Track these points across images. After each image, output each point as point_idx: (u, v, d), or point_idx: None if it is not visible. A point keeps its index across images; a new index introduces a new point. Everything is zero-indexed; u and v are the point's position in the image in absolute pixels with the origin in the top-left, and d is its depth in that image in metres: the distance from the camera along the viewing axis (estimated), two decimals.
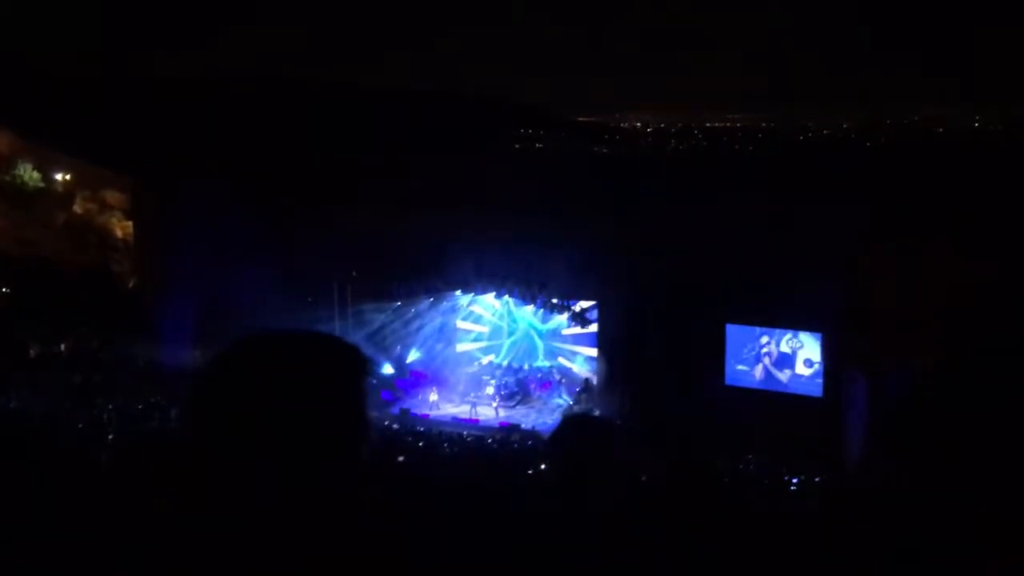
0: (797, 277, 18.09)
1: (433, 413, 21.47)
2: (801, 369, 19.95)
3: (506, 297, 22.46)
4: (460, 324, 23.40)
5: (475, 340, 23.54)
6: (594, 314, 21.77)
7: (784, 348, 20.12)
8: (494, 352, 23.38)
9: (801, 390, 19.92)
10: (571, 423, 2.99)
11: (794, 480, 13.51)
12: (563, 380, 22.58)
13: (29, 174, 26.62)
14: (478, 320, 23.38)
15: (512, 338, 23.24)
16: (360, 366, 1.53)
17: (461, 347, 23.53)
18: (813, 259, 18.17)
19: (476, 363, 23.37)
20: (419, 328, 23.20)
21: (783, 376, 20.07)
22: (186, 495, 1.41)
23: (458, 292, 22.81)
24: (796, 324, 19.86)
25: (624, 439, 3.06)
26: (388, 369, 22.87)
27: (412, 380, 22.80)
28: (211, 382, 1.45)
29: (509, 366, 23.06)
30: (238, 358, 1.47)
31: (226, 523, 1.38)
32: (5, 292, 24.67)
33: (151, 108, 27.42)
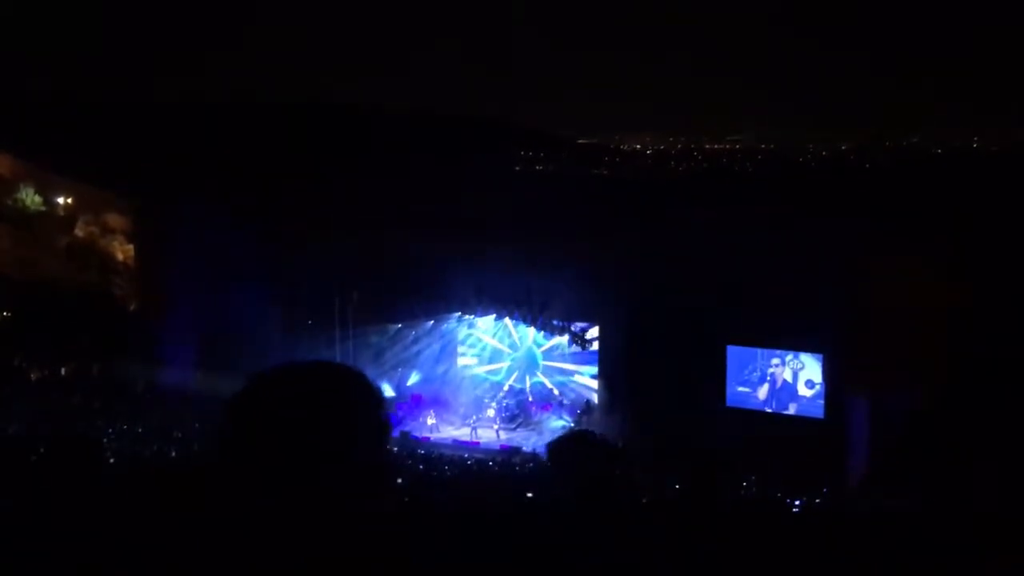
0: (798, 298, 18.11)
1: (434, 436, 21.40)
2: (803, 390, 19.91)
3: (507, 319, 22.49)
4: (476, 331, 23.36)
5: (479, 352, 23.46)
6: (595, 335, 21.79)
7: (786, 372, 20.09)
8: (495, 366, 23.30)
9: (803, 411, 19.87)
10: (572, 438, 3.00)
11: (796, 502, 13.44)
12: (563, 401, 22.52)
13: (31, 197, 26.71)
14: (480, 340, 23.38)
15: (514, 355, 23.18)
16: (374, 396, 1.59)
17: (463, 361, 23.44)
18: (814, 280, 18.18)
19: (474, 374, 23.31)
20: (419, 351, 23.20)
21: (791, 408, 20.02)
22: (207, 517, 1.45)
23: (459, 314, 22.83)
24: (797, 345, 19.85)
25: (623, 457, 3.06)
26: (388, 391, 22.84)
27: (412, 402, 22.75)
28: (239, 413, 1.50)
29: (510, 388, 23.02)
30: (263, 392, 1.52)
31: (252, 544, 1.41)
32: (6, 315, 24.69)
33: (150, 131, 27.53)
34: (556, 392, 22.70)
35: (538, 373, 23.02)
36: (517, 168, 33.23)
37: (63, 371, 22.24)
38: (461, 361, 23.55)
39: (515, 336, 22.99)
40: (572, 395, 22.51)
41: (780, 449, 17.24)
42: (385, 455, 1.60)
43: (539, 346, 22.90)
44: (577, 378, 22.60)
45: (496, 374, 23.30)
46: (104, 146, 26.39)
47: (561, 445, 2.96)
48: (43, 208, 27.00)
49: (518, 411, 22.44)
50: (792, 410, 19.97)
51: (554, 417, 22.23)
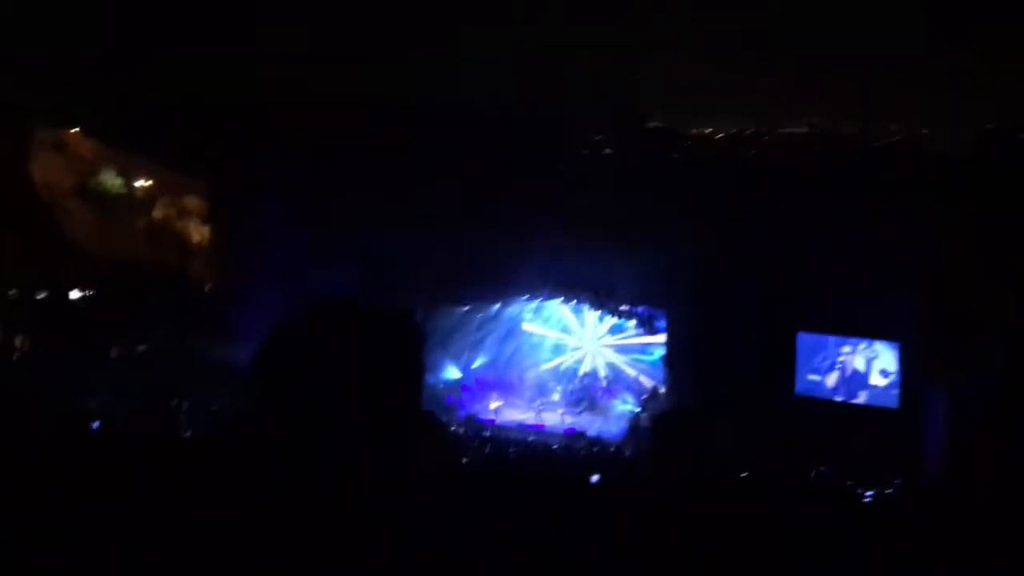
0: (873, 285, 17.66)
1: (499, 419, 21.55)
2: (876, 379, 19.44)
3: (574, 303, 22.46)
4: (528, 327, 23.39)
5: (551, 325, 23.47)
6: (662, 322, 21.63)
7: (858, 360, 19.62)
8: (563, 338, 23.27)
9: (874, 401, 19.41)
10: (678, 417, 2.95)
11: (867, 493, 13.15)
12: (619, 385, 22.39)
13: (111, 181, 27.54)
14: (547, 323, 23.38)
15: (582, 338, 23.13)
16: (417, 337, 1.55)
17: (529, 328, 23.40)
18: (890, 265, 17.70)
19: (540, 345, 23.35)
20: (486, 334, 23.31)
21: (861, 397, 19.57)
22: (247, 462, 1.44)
23: (526, 297, 22.86)
24: (871, 333, 19.37)
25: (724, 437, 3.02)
26: (455, 374, 23.02)
27: (478, 386, 22.91)
28: (277, 347, 1.48)
29: (574, 371, 23.00)
30: (305, 326, 1.49)
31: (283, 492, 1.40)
32: (88, 294, 25.55)
33: (228, 111, 28.03)
34: (616, 378, 22.60)
35: (603, 357, 22.95)
36: (585, 152, 33.03)
37: (141, 349, 22.93)
38: (527, 327, 23.40)
39: (583, 319, 22.93)
40: (636, 380, 22.39)
41: (852, 439, 16.89)
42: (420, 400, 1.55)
43: (610, 332, 22.78)
44: (641, 364, 22.47)
45: (562, 351, 23.24)
46: (182, 129, 26.97)
47: (670, 422, 2.92)
48: (124, 191, 27.82)
49: (583, 395, 22.43)
50: (862, 399, 19.53)
51: (619, 402, 22.16)
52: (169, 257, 27.08)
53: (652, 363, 22.18)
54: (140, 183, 28.32)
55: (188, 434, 11.54)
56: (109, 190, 27.55)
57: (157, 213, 28.00)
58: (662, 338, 21.70)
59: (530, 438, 19.67)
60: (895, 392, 19.10)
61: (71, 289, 25.39)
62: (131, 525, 2.05)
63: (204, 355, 21.68)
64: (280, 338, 1.50)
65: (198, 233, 27.92)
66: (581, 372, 22.92)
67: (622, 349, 22.69)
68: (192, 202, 27.97)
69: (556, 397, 22.24)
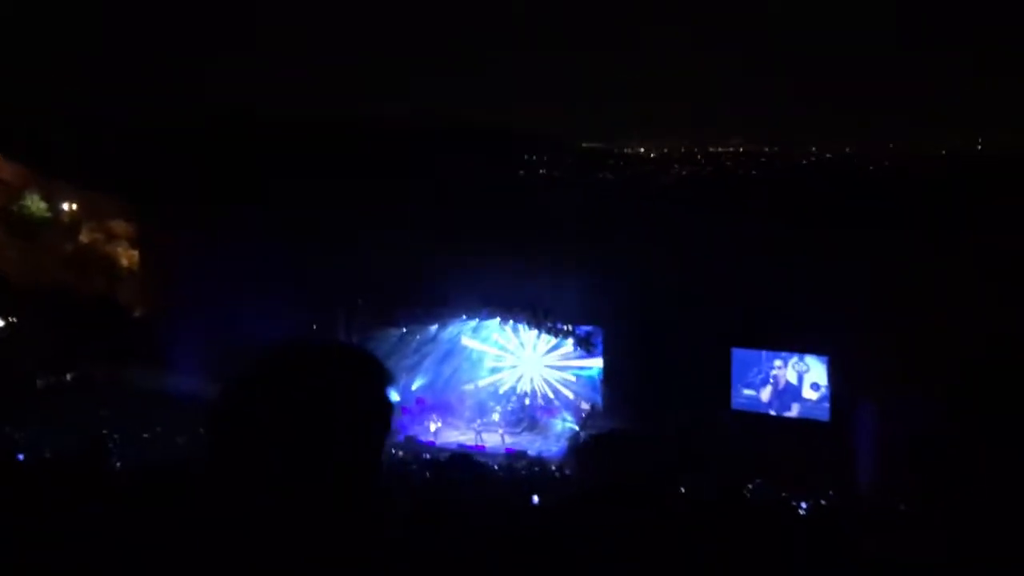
0: (803, 301, 18.09)
1: (439, 440, 21.42)
2: (808, 393, 19.87)
3: (511, 323, 22.48)
4: (467, 341, 23.25)
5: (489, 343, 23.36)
6: (599, 340, 21.77)
7: (790, 374, 20.04)
8: (501, 356, 23.16)
9: (806, 414, 19.83)
10: (603, 440, 2.98)
11: (802, 504, 13.40)
12: (558, 404, 22.47)
13: (36, 205, 26.79)
14: (485, 343, 23.32)
15: (519, 357, 23.12)
16: (383, 378, 1.55)
17: (469, 342, 23.21)
18: (819, 283, 18.16)
19: (480, 364, 23.20)
20: (424, 356, 23.16)
21: (794, 409, 19.96)
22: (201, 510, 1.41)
23: (463, 318, 22.81)
24: (802, 348, 19.82)
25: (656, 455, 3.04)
26: (394, 396, 22.80)
27: (417, 407, 22.75)
28: (241, 392, 1.45)
29: (513, 390, 22.99)
30: (269, 367, 1.47)
31: (245, 533, 1.37)
32: (12, 322, 24.75)
33: (154, 138, 27.58)
34: (555, 397, 22.67)
35: (541, 376, 22.99)
36: (521, 173, 33.28)
37: (69, 377, 22.28)
38: (467, 342, 23.22)
39: (521, 338, 22.96)
40: (575, 398, 22.48)
41: (786, 452, 17.22)
42: (384, 444, 1.55)
43: (548, 351, 22.84)
44: (579, 382, 22.56)
45: (500, 370, 23.18)
46: (108, 153, 26.45)
47: (593, 445, 2.94)
48: (48, 215, 27.09)
49: (523, 414, 22.44)
50: (795, 411, 19.95)
51: (559, 420, 22.22)
52: (97, 283, 26.40)
53: (590, 381, 22.30)
54: (66, 207, 27.60)
55: (119, 465, 11.24)
56: (34, 214, 26.79)
57: (84, 237, 27.31)
58: (599, 357, 21.84)
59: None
60: (826, 405, 19.56)
61: None
62: (58, 563, 2.00)
63: (134, 384, 21.18)
64: (243, 383, 1.47)
65: (127, 258, 27.31)
66: (520, 391, 22.93)
67: (560, 368, 22.76)
68: (120, 226, 27.35)
69: (496, 417, 22.20)
